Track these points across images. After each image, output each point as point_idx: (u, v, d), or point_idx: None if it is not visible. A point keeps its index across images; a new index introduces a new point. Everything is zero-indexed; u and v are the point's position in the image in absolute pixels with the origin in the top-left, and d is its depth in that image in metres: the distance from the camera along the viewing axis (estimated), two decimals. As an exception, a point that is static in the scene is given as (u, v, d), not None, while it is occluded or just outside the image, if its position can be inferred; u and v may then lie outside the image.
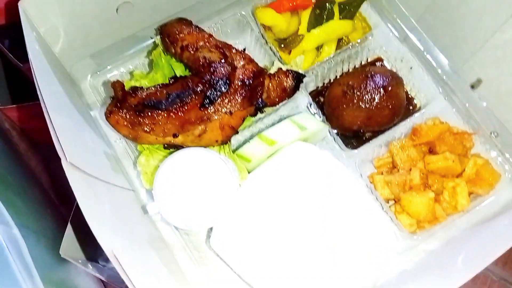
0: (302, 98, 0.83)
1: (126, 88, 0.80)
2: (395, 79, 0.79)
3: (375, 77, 0.78)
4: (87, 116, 0.80)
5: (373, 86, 0.78)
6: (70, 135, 0.64)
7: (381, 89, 0.77)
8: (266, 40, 0.87)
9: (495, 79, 0.74)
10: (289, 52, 0.87)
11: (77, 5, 0.73)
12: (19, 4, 0.67)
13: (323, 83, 0.86)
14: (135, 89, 0.76)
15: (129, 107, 0.74)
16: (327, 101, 0.83)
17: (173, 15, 0.84)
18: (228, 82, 0.72)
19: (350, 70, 0.87)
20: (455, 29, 0.78)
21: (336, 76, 0.86)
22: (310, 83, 0.85)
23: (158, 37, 0.81)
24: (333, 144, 0.81)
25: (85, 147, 0.69)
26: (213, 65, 0.73)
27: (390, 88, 0.77)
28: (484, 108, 0.77)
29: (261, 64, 0.85)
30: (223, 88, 0.72)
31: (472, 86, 0.78)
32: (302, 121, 0.75)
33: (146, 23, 0.83)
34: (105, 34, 0.80)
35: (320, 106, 0.84)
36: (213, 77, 0.72)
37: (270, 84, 0.78)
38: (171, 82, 0.78)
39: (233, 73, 0.73)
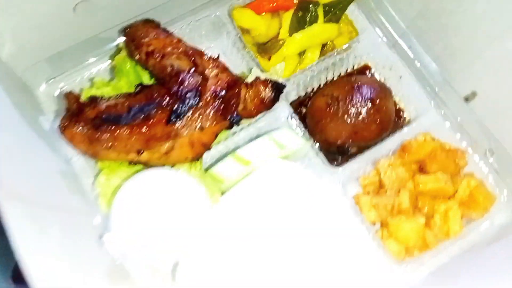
0: (283, 109, 0.75)
1: (86, 97, 0.71)
2: (383, 91, 0.73)
3: (361, 88, 0.71)
4: (40, 129, 0.71)
5: (360, 98, 0.71)
6: (13, 156, 0.55)
7: (368, 101, 0.71)
8: (244, 44, 0.79)
9: (492, 93, 0.68)
10: (269, 58, 0.79)
11: (26, 4, 0.64)
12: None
13: (306, 93, 0.79)
14: (93, 99, 0.68)
15: (86, 120, 0.65)
16: (309, 113, 0.76)
17: (140, 14, 0.75)
18: (198, 94, 0.64)
19: (335, 79, 0.79)
20: (449, 37, 0.71)
21: (319, 85, 0.79)
22: (292, 92, 0.78)
23: (122, 40, 0.73)
24: (315, 160, 0.74)
25: (32, 168, 0.61)
26: (181, 74, 0.64)
27: (377, 101, 0.71)
28: (479, 124, 0.71)
29: (238, 71, 0.78)
30: (192, 101, 0.64)
31: (466, 99, 0.71)
32: (281, 138, 0.68)
33: (109, 24, 0.74)
34: (61, 35, 0.71)
35: (302, 117, 0.77)
36: (181, 88, 0.64)
37: (247, 95, 0.70)
38: (136, 91, 0.71)
39: (204, 84, 0.65)
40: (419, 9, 0.74)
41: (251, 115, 0.73)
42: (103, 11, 0.71)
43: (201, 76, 0.65)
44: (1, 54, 0.67)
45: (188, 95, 0.64)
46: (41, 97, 0.75)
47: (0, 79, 0.64)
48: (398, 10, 0.78)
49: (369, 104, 0.70)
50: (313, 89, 0.79)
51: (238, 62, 0.80)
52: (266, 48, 0.79)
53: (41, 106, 0.75)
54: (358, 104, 0.71)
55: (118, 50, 0.75)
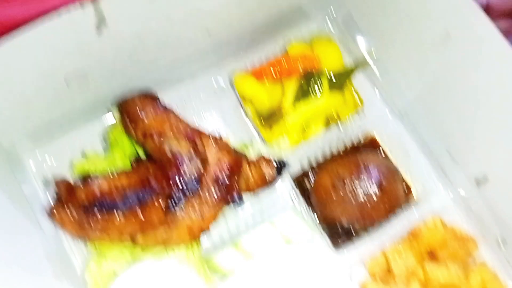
0: (285, 184, 0.72)
1: (77, 171, 0.68)
2: (391, 172, 0.70)
3: (368, 169, 0.68)
4: (26, 207, 0.66)
5: (367, 179, 0.68)
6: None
7: (376, 184, 0.67)
8: (245, 113, 0.76)
9: (504, 178, 0.65)
10: (271, 127, 0.75)
11: (14, 80, 0.59)
12: None
13: (310, 165, 0.76)
14: (85, 179, 0.63)
15: (77, 205, 0.61)
16: (314, 190, 0.72)
17: (136, 79, 0.71)
18: (198, 181, 0.60)
19: (341, 151, 0.76)
20: (460, 114, 0.68)
21: (324, 158, 0.75)
22: (295, 166, 0.74)
23: (117, 112, 0.69)
24: (319, 241, 0.69)
25: (14, 255, 0.56)
26: (180, 160, 0.60)
27: (385, 184, 0.68)
28: (490, 210, 0.67)
29: (238, 138, 0.75)
30: (192, 189, 0.60)
31: (477, 183, 0.68)
32: (285, 225, 0.65)
33: (103, 93, 0.70)
34: (53, 106, 0.67)
35: (305, 192, 0.74)
36: (180, 176, 0.60)
37: (249, 172, 0.67)
38: (132, 166, 0.67)
39: (205, 169, 0.61)
40: (428, 83, 0.71)
41: (252, 190, 0.69)
42: (97, 81, 0.67)
43: (201, 161, 0.61)
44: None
45: (188, 182, 0.60)
46: (29, 169, 0.70)
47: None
48: (406, 82, 0.74)
49: (377, 187, 0.67)
50: (317, 162, 0.75)
51: (239, 130, 0.76)
52: (268, 118, 0.75)
53: (28, 179, 0.70)
54: (365, 186, 0.67)
55: (113, 121, 0.71)
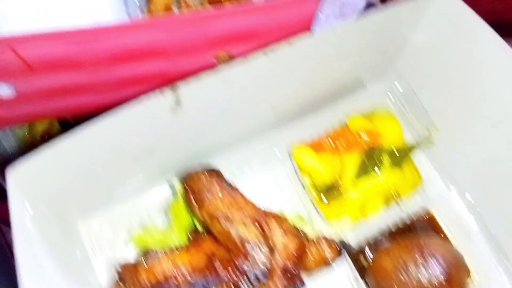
0: (343, 262, 0.71)
1: (137, 245, 0.67)
2: (456, 259, 0.68)
3: (433, 256, 0.66)
4: (83, 280, 0.65)
5: (431, 267, 0.66)
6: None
7: (440, 272, 0.65)
8: (302, 185, 0.75)
9: None
10: (329, 202, 0.74)
11: (84, 158, 0.59)
12: (7, 171, 0.53)
13: (367, 243, 0.74)
14: (146, 255, 0.63)
15: (139, 286, 0.60)
16: (372, 270, 0.71)
17: (197, 149, 0.71)
18: (267, 271, 0.59)
19: (399, 229, 0.74)
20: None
21: (383, 237, 0.74)
22: (352, 242, 0.73)
23: (179, 186, 0.68)
24: (377, 324, 0.68)
25: None
26: (249, 248, 0.59)
27: (450, 272, 0.66)
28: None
29: (293, 209, 0.74)
30: (260, 279, 0.59)
31: (545, 276, 0.67)
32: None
33: (165, 165, 0.69)
34: (114, 179, 0.66)
35: (362, 270, 0.72)
36: (249, 264, 0.59)
37: (309, 253, 0.66)
38: (190, 239, 0.66)
39: (272, 257, 0.60)
40: (495, 166, 0.69)
41: (310, 270, 0.68)
42: (162, 154, 0.66)
43: (269, 248, 0.60)
44: (54, 208, 0.61)
45: (256, 271, 0.59)
46: (86, 240, 0.69)
47: (44, 234, 0.58)
48: (469, 162, 0.72)
49: (441, 276, 0.65)
50: (375, 240, 0.74)
51: (295, 200, 0.75)
52: (327, 192, 0.74)
53: (86, 250, 0.69)
54: (429, 273, 0.65)
55: (174, 194, 0.70)
